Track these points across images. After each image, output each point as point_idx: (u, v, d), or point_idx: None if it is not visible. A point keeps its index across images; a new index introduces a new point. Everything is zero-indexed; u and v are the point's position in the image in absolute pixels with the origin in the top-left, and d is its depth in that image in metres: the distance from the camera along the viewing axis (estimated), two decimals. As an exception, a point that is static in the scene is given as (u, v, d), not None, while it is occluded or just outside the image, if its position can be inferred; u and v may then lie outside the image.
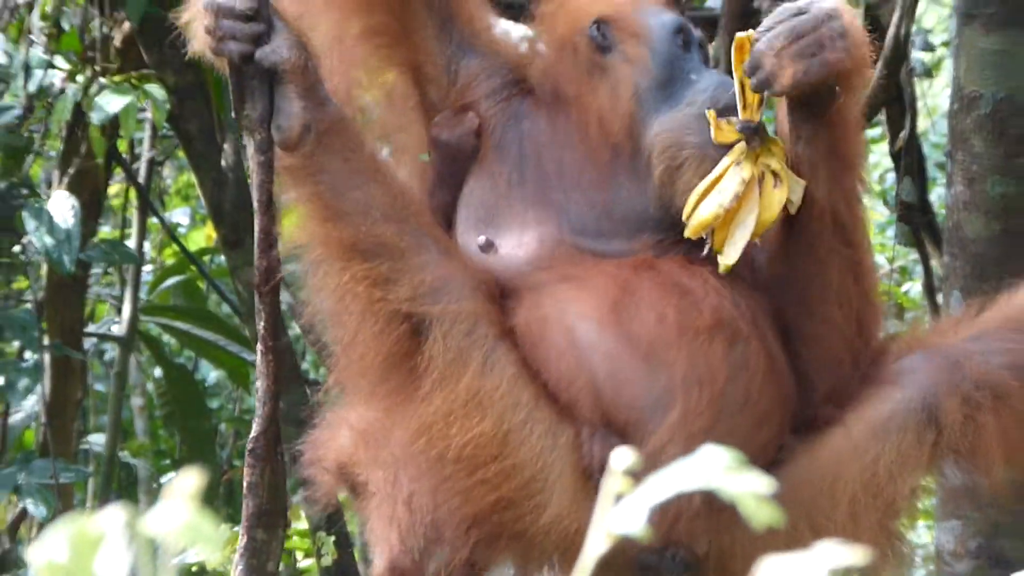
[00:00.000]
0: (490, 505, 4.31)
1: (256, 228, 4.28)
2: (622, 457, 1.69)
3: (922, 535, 8.68)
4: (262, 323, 4.32)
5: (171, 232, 9.12)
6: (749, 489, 1.65)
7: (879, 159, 11.18)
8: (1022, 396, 4.37)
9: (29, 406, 8.22)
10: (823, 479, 4.36)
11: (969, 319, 4.48)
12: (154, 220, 8.82)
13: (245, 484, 4.42)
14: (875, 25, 6.23)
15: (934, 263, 7.53)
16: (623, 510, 1.64)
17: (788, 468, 4.35)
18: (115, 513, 1.50)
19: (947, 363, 4.40)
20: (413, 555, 4.51)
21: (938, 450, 4.36)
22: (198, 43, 4.27)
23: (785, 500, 4.17)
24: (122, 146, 8.08)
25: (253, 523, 4.43)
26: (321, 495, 4.76)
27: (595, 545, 1.64)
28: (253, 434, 4.40)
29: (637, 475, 1.88)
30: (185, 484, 1.47)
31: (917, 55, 8.72)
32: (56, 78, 7.48)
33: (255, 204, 4.28)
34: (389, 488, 4.55)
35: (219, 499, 8.86)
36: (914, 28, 7.10)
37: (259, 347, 4.34)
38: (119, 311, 8.73)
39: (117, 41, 7.54)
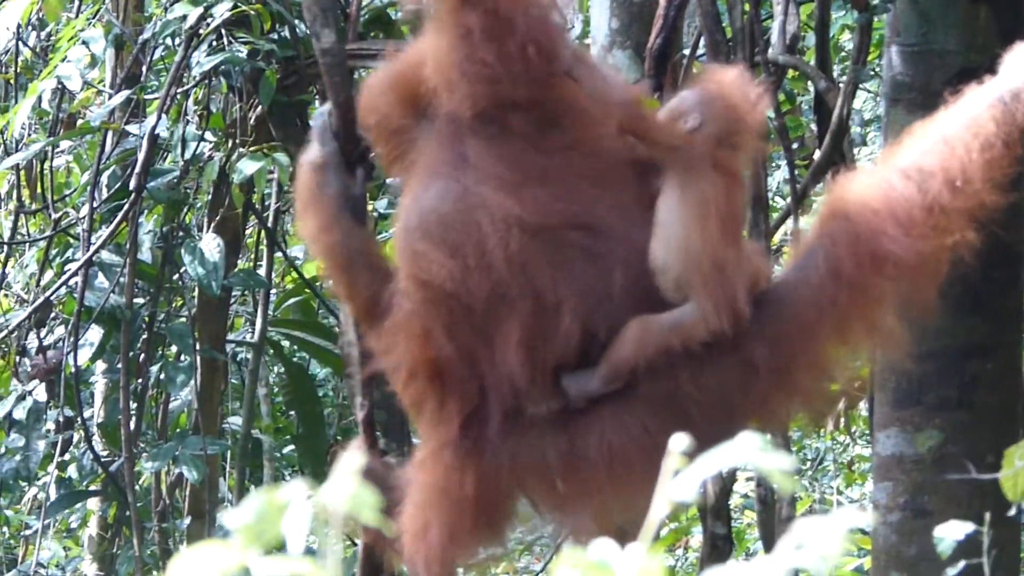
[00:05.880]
0: None
1: None
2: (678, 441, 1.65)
3: (860, 492, 8.63)
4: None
5: (292, 264, 9.08)
6: (776, 465, 1.61)
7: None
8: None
9: (184, 396, 8.20)
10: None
11: None
12: (279, 255, 8.79)
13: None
14: (822, 106, 6.19)
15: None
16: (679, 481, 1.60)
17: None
18: (297, 486, 1.46)
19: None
20: None
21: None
22: None
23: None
24: (256, 199, 8.05)
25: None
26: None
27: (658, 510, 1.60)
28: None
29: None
30: (351, 463, 1.43)
31: (855, 129, 8.69)
32: (206, 148, 7.47)
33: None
34: None
35: (328, 466, 8.80)
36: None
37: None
38: (253, 324, 8.69)
39: (252, 120, 7.52)
